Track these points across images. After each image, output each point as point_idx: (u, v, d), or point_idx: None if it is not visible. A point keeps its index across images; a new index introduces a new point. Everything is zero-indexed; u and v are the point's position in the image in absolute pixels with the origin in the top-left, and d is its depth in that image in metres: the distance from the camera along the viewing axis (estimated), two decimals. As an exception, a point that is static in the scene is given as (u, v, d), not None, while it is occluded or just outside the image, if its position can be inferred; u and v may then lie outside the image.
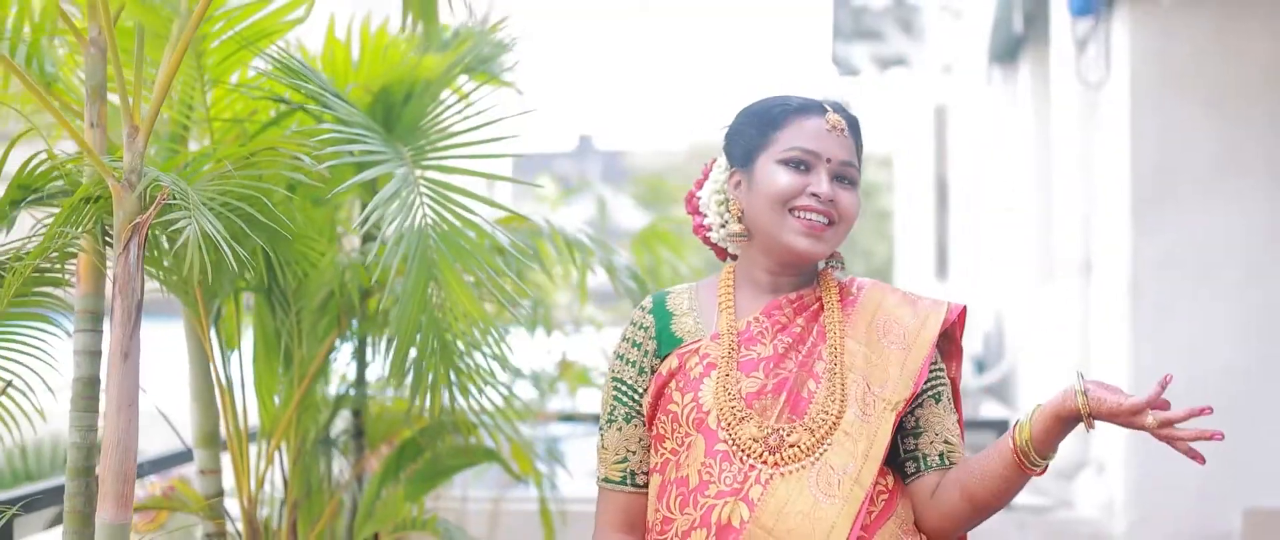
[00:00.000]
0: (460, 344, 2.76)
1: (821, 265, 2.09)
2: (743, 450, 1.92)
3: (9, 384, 2.15)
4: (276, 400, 3.29)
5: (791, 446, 1.92)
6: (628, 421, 2.07)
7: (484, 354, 2.83)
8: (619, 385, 2.08)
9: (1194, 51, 5.38)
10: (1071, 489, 6.36)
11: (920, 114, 12.74)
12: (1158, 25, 5.37)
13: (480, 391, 3.03)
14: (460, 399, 3.03)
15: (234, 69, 2.93)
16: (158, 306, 2.85)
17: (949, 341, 2.09)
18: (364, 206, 3.44)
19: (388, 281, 2.69)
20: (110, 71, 2.28)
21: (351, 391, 3.50)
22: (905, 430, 2.03)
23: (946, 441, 2.02)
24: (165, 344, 3.38)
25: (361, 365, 3.51)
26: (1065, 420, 1.85)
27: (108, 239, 2.37)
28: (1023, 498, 6.38)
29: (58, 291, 2.50)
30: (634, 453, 2.06)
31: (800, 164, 1.98)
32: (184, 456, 3.82)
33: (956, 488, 1.95)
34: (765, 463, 1.91)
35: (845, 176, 2.00)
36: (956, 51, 10.84)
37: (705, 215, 2.12)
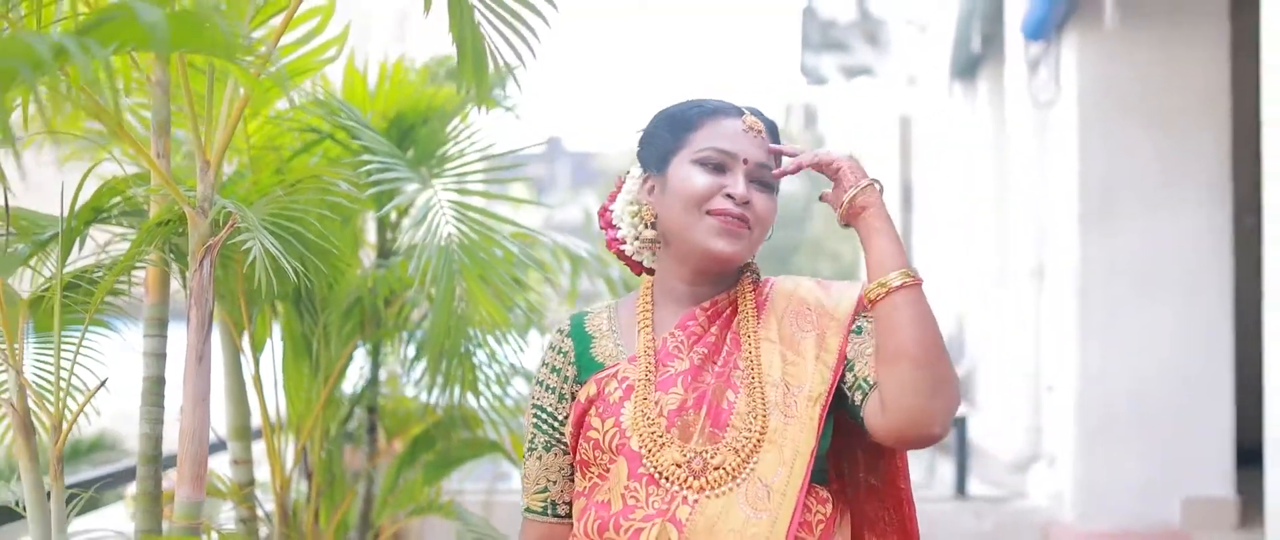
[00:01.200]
0: (480, 349, 3.08)
1: (739, 273, 2.01)
2: (666, 476, 1.84)
3: (104, 383, 2.44)
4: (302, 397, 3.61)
5: (717, 469, 1.83)
6: (547, 450, 1.99)
7: (500, 357, 3.17)
8: (539, 412, 2.01)
9: (1137, 75, 5.71)
10: (1024, 481, 6.70)
11: (886, 123, 13.06)
12: (1103, 50, 5.70)
13: (490, 391, 3.37)
14: (471, 397, 3.38)
15: (272, 101, 3.24)
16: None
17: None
18: (379, 223, 3.80)
19: (412, 291, 3.03)
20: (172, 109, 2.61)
21: (366, 390, 3.83)
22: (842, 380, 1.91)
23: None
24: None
25: (376, 366, 3.83)
26: (850, 222, 1.89)
27: (172, 255, 2.69)
28: (979, 489, 6.75)
29: (108, 299, 2.82)
30: (554, 482, 1.99)
31: (716, 165, 1.90)
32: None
33: (884, 365, 1.82)
34: (690, 488, 1.83)
35: (761, 180, 1.92)
36: (920, 64, 11.16)
37: (618, 228, 2.02)
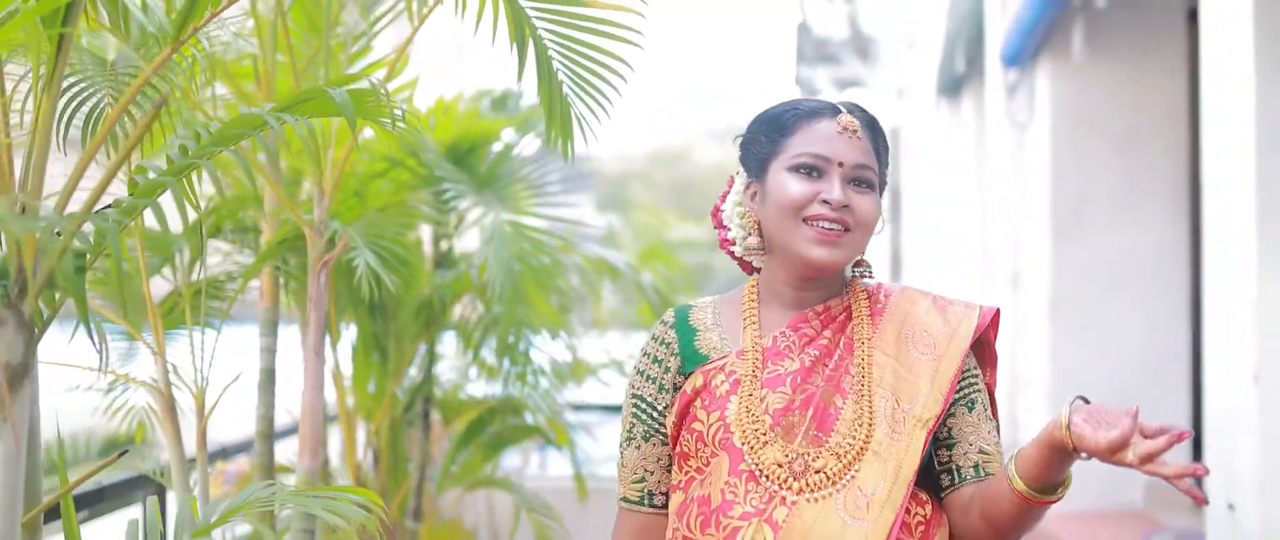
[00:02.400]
0: (535, 350, 3.60)
1: (850, 275, 1.98)
2: (766, 474, 1.79)
3: (238, 377, 2.95)
4: (370, 387, 4.13)
5: (817, 472, 1.80)
6: (646, 440, 1.95)
7: (549, 354, 3.69)
8: (638, 403, 1.97)
9: (1104, 99, 6.21)
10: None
11: (876, 133, 13.50)
12: (1073, 77, 6.20)
13: (538, 383, 3.90)
14: (522, 388, 3.90)
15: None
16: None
17: (983, 347, 1.97)
18: (434, 235, 4.32)
19: (476, 295, 3.54)
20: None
21: (424, 382, 4.34)
22: (938, 441, 1.89)
23: (981, 451, 1.88)
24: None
25: (431, 361, 4.34)
26: (1056, 449, 1.69)
27: (283, 269, 3.21)
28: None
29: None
30: (651, 472, 1.96)
31: (811, 170, 1.85)
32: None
33: (978, 512, 1.83)
34: (790, 489, 1.79)
35: (861, 180, 1.87)
36: (909, 78, 11.67)
37: (729, 228, 1.99)
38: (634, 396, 1.97)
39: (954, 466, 1.87)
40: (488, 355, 4.16)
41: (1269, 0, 3.87)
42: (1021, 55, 6.36)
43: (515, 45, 2.30)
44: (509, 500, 5.68)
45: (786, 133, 1.89)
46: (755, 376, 1.86)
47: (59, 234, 1.62)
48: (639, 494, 1.97)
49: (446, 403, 4.31)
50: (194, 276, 3.19)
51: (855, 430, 1.82)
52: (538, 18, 2.30)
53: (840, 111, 1.90)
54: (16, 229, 1.47)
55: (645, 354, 1.98)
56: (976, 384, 1.91)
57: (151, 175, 1.72)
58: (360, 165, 3.90)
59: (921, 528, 1.84)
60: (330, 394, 3.93)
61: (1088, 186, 6.24)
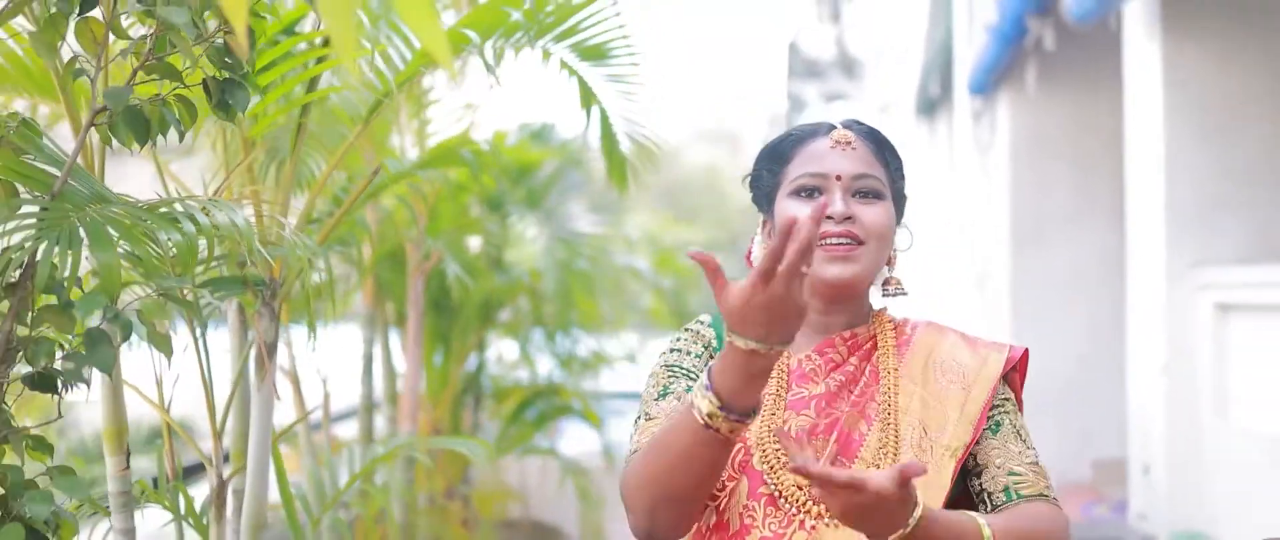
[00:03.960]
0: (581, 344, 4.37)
1: (878, 304, 1.86)
2: (786, 497, 1.69)
3: (326, 379, 3.68)
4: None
5: None
6: (689, 393, 1.74)
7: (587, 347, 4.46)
8: (675, 368, 1.82)
9: (1055, 126, 6.97)
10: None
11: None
12: (1029, 107, 6.97)
13: (576, 371, 4.67)
14: (559, 372, 4.68)
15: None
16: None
17: (1008, 387, 1.82)
18: (487, 246, 5.08)
19: (527, 297, 4.32)
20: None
21: (479, 370, 5.12)
22: (969, 471, 1.76)
23: (1011, 473, 1.73)
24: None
25: (482, 350, 5.11)
26: None
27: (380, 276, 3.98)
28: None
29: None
30: None
31: (812, 191, 1.77)
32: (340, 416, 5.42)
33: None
34: (809, 513, 1.69)
35: (866, 191, 1.76)
36: (892, 96, 12.42)
37: None
38: (669, 366, 1.83)
39: (985, 493, 1.73)
40: (531, 347, 4.92)
41: (1174, 55, 4.65)
42: (985, 87, 7.12)
43: (585, 109, 3.07)
44: (539, 470, 6.46)
45: (785, 160, 1.81)
46: (779, 397, 1.76)
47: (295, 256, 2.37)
48: None
49: (498, 386, 5.08)
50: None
51: (879, 458, 1.71)
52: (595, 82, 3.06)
53: (835, 128, 1.82)
54: (284, 254, 2.23)
55: (677, 348, 1.85)
56: (1005, 407, 1.78)
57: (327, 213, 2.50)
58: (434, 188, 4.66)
59: None
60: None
61: (1042, 202, 7.01)
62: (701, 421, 1.53)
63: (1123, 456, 6.85)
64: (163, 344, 1.75)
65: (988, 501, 1.72)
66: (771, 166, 1.83)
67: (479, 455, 2.68)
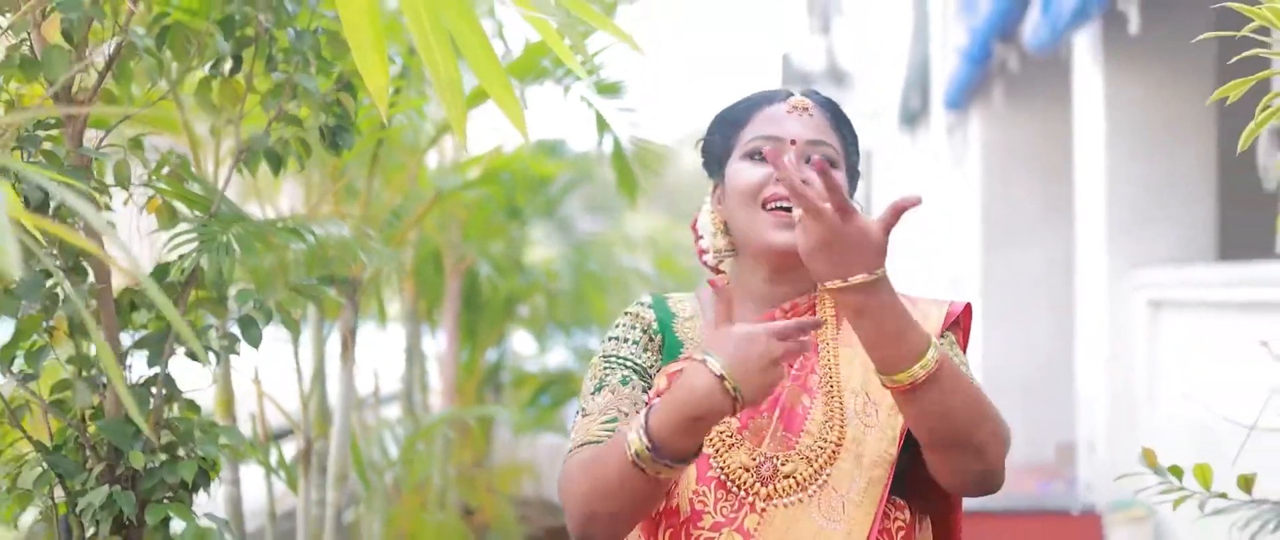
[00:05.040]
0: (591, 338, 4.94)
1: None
2: (733, 480, 1.66)
3: (378, 378, 4.26)
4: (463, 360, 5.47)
5: (786, 478, 1.66)
6: (624, 384, 1.71)
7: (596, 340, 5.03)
8: (611, 359, 1.74)
9: (1022, 139, 7.50)
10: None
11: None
12: (999, 122, 7.51)
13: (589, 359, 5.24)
14: (573, 360, 5.25)
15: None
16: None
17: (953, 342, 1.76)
18: (507, 249, 5.64)
19: (543, 296, 4.89)
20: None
21: (500, 359, 5.69)
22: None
23: None
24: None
25: (502, 342, 5.68)
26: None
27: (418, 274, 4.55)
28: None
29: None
30: (624, 412, 1.68)
31: (764, 154, 1.69)
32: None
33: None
34: (758, 495, 1.65)
35: (820, 156, 1.60)
36: (880, 104, 12.97)
37: (701, 236, 1.83)
38: (607, 358, 1.75)
39: None
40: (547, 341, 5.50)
41: (1116, 83, 5.22)
42: (958, 102, 7.66)
43: (599, 135, 3.64)
44: (549, 451, 7.01)
45: (740, 124, 1.75)
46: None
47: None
48: (610, 433, 1.65)
49: (517, 374, 5.65)
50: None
51: (825, 432, 1.67)
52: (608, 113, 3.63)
53: (792, 94, 1.76)
54: (372, 261, 2.79)
55: (614, 336, 1.77)
56: (943, 344, 1.71)
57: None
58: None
59: (902, 532, 1.69)
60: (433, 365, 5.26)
61: (1011, 209, 7.55)
62: (629, 458, 1.50)
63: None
64: (293, 326, 2.32)
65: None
66: (725, 131, 1.78)
67: (507, 422, 3.24)
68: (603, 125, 3.58)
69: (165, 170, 2.25)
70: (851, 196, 1.73)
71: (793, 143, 1.69)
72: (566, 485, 1.63)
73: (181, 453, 2.23)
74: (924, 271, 10.01)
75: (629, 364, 1.73)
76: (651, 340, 1.77)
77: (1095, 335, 5.46)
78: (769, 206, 1.69)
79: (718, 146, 1.80)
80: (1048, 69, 6.58)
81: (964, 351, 1.79)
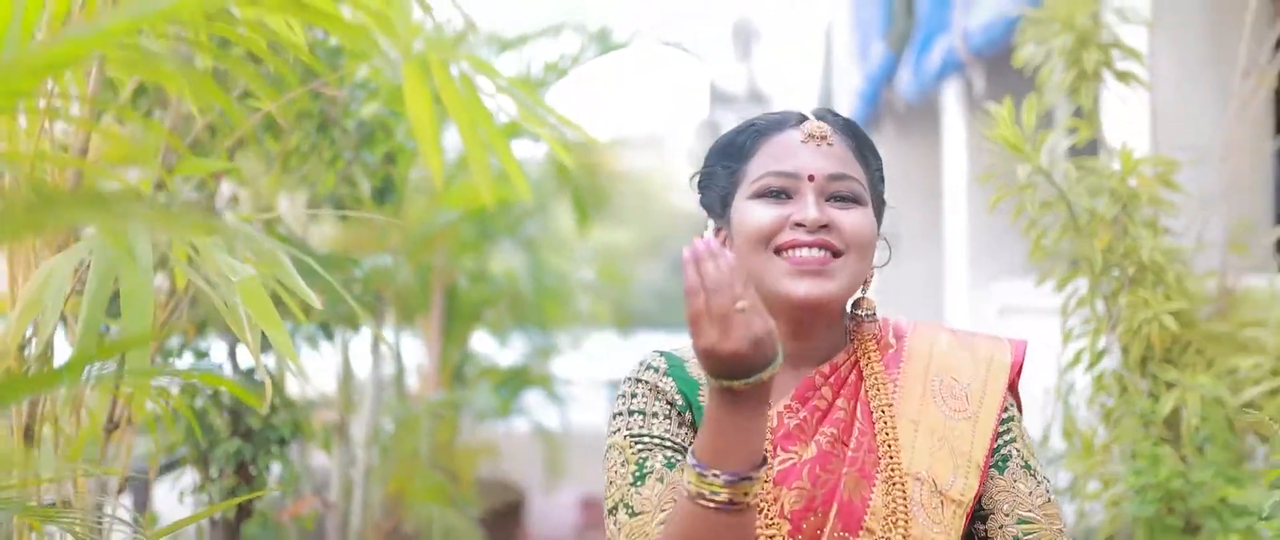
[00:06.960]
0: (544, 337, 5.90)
1: (852, 319, 1.58)
2: None
3: (403, 371, 5.17)
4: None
5: None
6: (670, 467, 1.46)
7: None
8: (642, 440, 1.48)
9: (912, 166, 8.48)
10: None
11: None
12: (890, 150, 8.36)
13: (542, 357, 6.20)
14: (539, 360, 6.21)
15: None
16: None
17: (1010, 391, 1.59)
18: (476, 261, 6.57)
19: (506, 302, 5.84)
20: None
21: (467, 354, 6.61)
22: (974, 513, 1.52)
23: (1021, 521, 1.49)
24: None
25: (466, 341, 6.60)
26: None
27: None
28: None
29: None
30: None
31: (778, 192, 1.47)
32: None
33: None
34: None
35: (842, 194, 1.47)
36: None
37: None
38: (636, 437, 1.50)
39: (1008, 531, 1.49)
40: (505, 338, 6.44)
41: (977, 127, 6.27)
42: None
43: (559, 176, 4.59)
44: (504, 437, 7.93)
45: (745, 157, 1.52)
46: (768, 467, 1.43)
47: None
48: None
49: (479, 369, 6.57)
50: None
51: (888, 528, 1.47)
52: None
53: (805, 118, 1.54)
54: (401, 276, 3.71)
55: (635, 399, 1.53)
56: (1010, 432, 1.55)
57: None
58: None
59: None
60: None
61: (900, 226, 8.59)
62: (694, 502, 1.31)
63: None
64: (355, 325, 3.25)
65: None
66: (728, 163, 1.55)
67: (477, 408, 4.18)
68: (564, 173, 4.52)
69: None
70: (878, 231, 1.56)
71: (810, 179, 1.48)
72: None
73: (275, 421, 3.15)
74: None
75: (669, 444, 1.49)
76: (682, 416, 1.53)
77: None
78: (784, 252, 1.48)
79: (721, 182, 1.56)
80: (926, 112, 7.62)
81: (1019, 402, 1.61)
